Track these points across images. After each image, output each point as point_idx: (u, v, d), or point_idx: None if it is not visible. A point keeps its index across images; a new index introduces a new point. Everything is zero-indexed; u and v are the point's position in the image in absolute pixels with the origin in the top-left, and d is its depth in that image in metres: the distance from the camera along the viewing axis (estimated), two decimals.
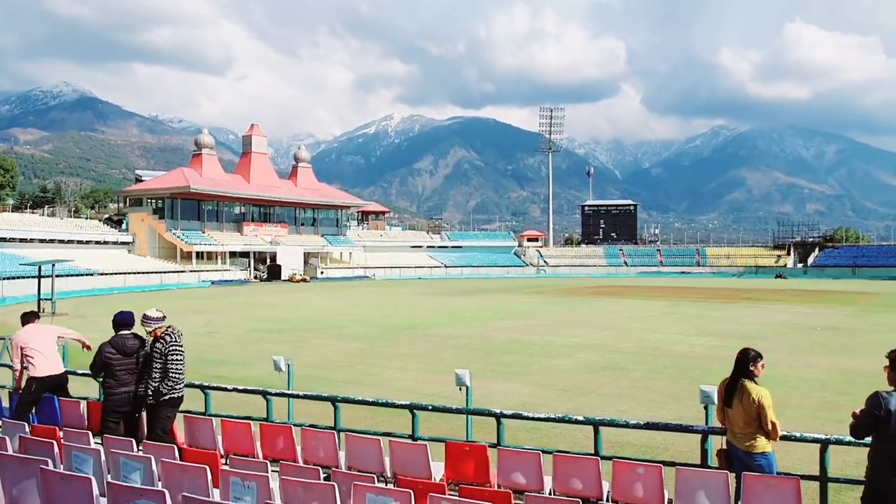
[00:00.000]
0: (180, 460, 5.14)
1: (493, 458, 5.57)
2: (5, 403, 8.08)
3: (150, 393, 6.41)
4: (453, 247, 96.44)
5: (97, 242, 63.69)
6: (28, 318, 7.68)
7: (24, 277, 41.24)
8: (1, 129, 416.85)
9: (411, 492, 3.79)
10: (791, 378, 13.60)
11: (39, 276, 33.15)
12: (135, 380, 6.59)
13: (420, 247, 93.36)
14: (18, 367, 7.40)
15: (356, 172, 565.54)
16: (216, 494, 4.54)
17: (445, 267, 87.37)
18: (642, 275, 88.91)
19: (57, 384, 7.49)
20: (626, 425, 6.12)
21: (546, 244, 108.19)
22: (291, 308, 34.27)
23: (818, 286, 60.05)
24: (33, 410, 7.33)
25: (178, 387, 6.50)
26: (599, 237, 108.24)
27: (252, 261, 70.68)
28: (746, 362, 5.22)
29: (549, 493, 5.02)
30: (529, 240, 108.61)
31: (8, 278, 40.90)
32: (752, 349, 5.30)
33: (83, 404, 7.44)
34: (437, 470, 5.58)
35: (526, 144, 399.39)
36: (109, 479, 4.64)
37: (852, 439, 4.47)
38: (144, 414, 6.71)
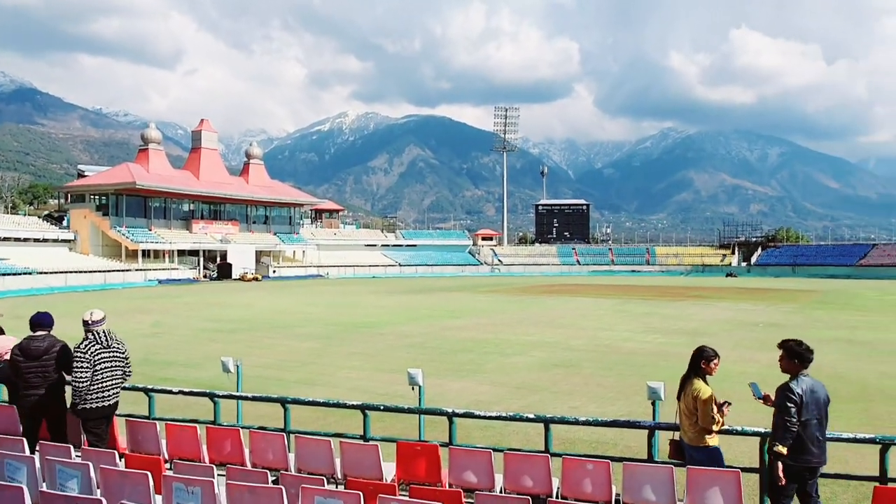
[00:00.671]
0: (121, 466, 4.97)
1: (445, 457, 5.56)
2: None
3: (75, 400, 6.04)
4: (408, 245, 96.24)
5: (36, 240, 61.09)
6: None
7: None
8: None
9: (361, 493, 3.74)
10: (734, 373, 14.02)
11: None
12: (46, 383, 6.14)
13: (374, 245, 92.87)
14: None
15: (310, 170, 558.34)
16: (158, 501, 4.39)
17: (400, 266, 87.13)
18: (595, 273, 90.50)
19: None
20: (576, 422, 6.19)
21: (500, 243, 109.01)
22: (243, 307, 33.61)
23: (761, 284, 62.26)
24: None
25: (102, 395, 6.04)
26: (553, 236, 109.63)
27: (202, 259, 69.03)
28: (699, 359, 5.37)
29: (500, 492, 5.04)
30: (484, 239, 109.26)
31: None
32: (708, 348, 5.43)
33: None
34: (389, 470, 5.54)
35: (481, 143, 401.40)
36: (44, 489, 4.44)
37: (782, 450, 4.73)
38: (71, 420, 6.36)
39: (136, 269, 60.46)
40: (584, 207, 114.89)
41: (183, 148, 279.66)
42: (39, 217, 71.37)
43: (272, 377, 14.22)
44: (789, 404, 4.76)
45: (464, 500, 4.11)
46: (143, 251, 64.23)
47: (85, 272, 54.73)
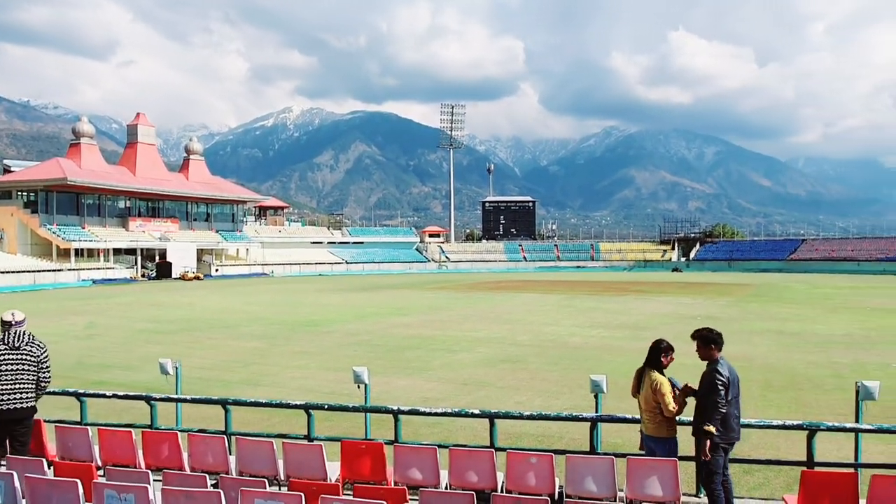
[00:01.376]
0: (50, 475, 4.73)
1: (391, 455, 5.52)
2: None
3: None
4: (354, 243, 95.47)
5: None
6: None
7: None
8: None
9: (302, 494, 3.67)
10: (674, 365, 14.46)
11: None
12: None
13: (320, 243, 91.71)
14: None
15: (253, 166, 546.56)
16: None
17: (347, 263, 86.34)
18: (541, 269, 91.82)
19: None
20: (521, 416, 6.26)
21: (448, 240, 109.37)
22: (183, 307, 32.63)
23: (699, 279, 64.43)
24: None
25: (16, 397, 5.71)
26: (500, 233, 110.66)
27: (139, 258, 66.69)
28: (658, 352, 5.49)
29: (445, 488, 5.04)
30: (431, 235, 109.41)
31: None
32: (664, 341, 5.57)
33: None
34: (334, 470, 5.46)
35: (427, 140, 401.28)
36: None
37: (712, 429, 4.94)
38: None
39: (69, 269, 57.91)
40: (531, 204, 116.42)
41: (118, 143, 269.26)
42: None
43: (215, 378, 13.85)
44: (720, 386, 5.05)
45: (408, 497, 4.09)
46: (76, 250, 61.57)
47: (12, 272, 52.09)
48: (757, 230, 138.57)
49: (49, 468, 5.08)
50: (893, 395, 10.46)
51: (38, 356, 5.86)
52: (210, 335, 21.59)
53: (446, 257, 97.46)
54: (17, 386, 5.73)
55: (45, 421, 6.39)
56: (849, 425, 5.94)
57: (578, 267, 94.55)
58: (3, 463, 5.25)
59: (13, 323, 5.77)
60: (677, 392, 5.41)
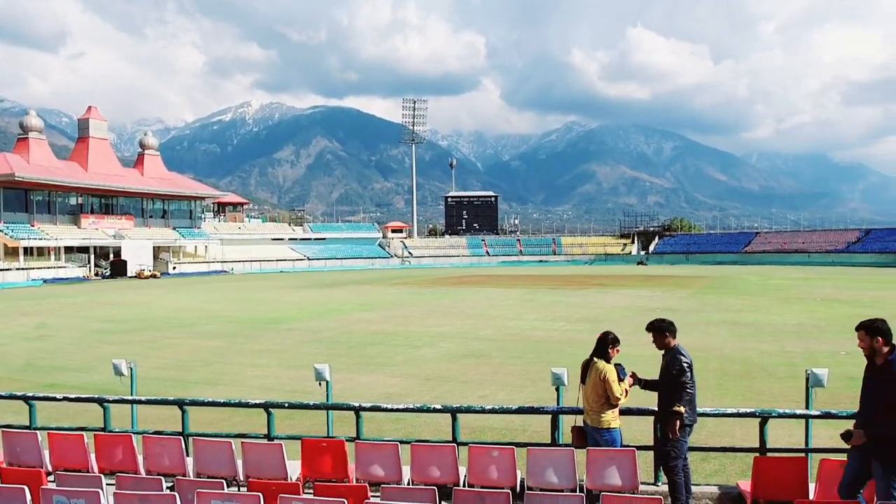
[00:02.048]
0: None
1: (353, 452, 5.48)
2: None
3: None
4: (316, 239, 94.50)
5: None
6: None
7: None
8: None
9: (261, 494, 3.61)
10: (632, 356, 14.61)
11: None
12: None
13: (281, 239, 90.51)
14: None
15: (211, 161, 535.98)
16: None
17: (308, 259, 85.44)
18: (503, 264, 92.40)
19: None
20: (482, 410, 6.27)
21: (410, 235, 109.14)
22: (139, 306, 31.83)
23: (658, 272, 65.74)
24: None
25: None
26: (462, 228, 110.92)
27: (92, 256, 64.74)
28: (605, 344, 5.65)
29: (408, 483, 5.02)
30: (394, 231, 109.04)
31: None
32: (611, 333, 5.74)
33: None
34: (294, 469, 5.39)
35: (389, 135, 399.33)
36: None
37: (682, 409, 5.09)
38: None
39: (18, 269, 55.92)
40: (493, 199, 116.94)
41: (69, 137, 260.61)
42: None
43: (173, 378, 13.55)
44: (686, 369, 5.32)
45: (370, 494, 4.06)
46: (25, 248, 59.38)
47: None
48: (713, 223, 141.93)
49: None
50: (842, 382, 10.84)
51: None
52: (168, 334, 21.12)
53: (409, 253, 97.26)
54: None
55: None
56: (799, 412, 6.14)
57: (541, 261, 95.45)
58: None
59: None
60: (622, 380, 5.57)
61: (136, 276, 62.88)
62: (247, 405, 6.76)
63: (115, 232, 68.69)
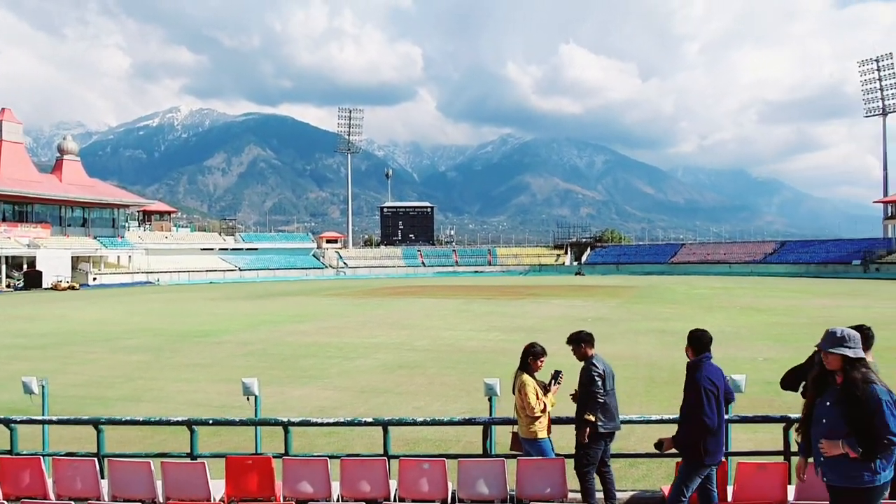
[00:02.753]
0: None
1: (281, 469, 5.31)
2: None
3: None
4: (248, 249, 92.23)
5: None
6: None
7: None
8: None
9: None
10: (566, 365, 14.96)
11: None
12: None
13: (212, 249, 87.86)
14: None
15: (137, 168, 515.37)
16: None
17: (240, 270, 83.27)
18: (439, 275, 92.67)
19: None
20: (414, 423, 6.22)
21: (346, 245, 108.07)
22: (56, 320, 30.13)
23: (590, 282, 67.41)
24: None
25: None
26: (398, 238, 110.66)
27: (4, 267, 61.00)
28: (526, 356, 5.71)
29: (337, 499, 4.91)
30: (329, 241, 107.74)
31: None
32: (536, 345, 5.79)
33: None
34: (218, 488, 5.18)
35: (325, 144, 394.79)
36: None
37: (591, 417, 5.27)
38: None
39: None
40: (429, 210, 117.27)
41: None
42: None
43: (92, 396, 12.86)
44: (596, 378, 5.45)
45: None
46: None
47: None
48: (642, 235, 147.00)
49: None
50: (760, 387, 11.36)
51: None
52: (87, 349, 20.04)
53: (344, 263, 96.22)
54: None
55: None
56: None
57: (476, 272, 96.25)
58: None
59: None
60: (549, 391, 5.66)
61: (52, 288, 59.63)
62: (168, 423, 6.44)
63: (30, 241, 65.01)
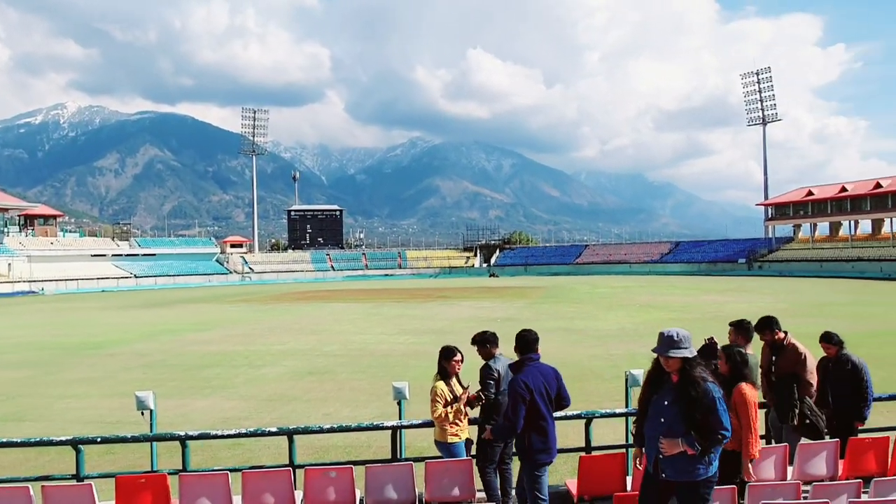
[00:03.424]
0: None
1: (177, 486, 5.04)
2: None
3: None
4: (145, 255, 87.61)
5: None
6: None
7: None
8: None
9: None
10: (477, 365, 15.21)
11: None
12: None
13: (104, 255, 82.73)
14: None
15: (18, 169, 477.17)
16: None
17: (136, 277, 78.92)
18: (349, 279, 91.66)
19: None
20: (320, 430, 6.07)
21: (251, 250, 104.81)
22: None
23: (499, 283, 68.81)
24: None
25: None
26: (307, 242, 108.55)
27: None
28: (440, 358, 5.70)
29: None
30: (233, 246, 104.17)
31: None
32: (451, 347, 5.80)
33: None
34: None
35: (228, 146, 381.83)
36: None
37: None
38: None
39: None
40: (338, 213, 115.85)
41: None
42: None
43: None
44: (489, 380, 5.57)
45: None
46: None
47: None
48: (548, 237, 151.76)
49: None
50: None
51: None
52: None
53: (250, 268, 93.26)
54: None
55: None
56: (619, 410, 6.65)
57: (386, 275, 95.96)
58: None
59: None
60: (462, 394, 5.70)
61: None
62: (51, 443, 5.95)
63: None
